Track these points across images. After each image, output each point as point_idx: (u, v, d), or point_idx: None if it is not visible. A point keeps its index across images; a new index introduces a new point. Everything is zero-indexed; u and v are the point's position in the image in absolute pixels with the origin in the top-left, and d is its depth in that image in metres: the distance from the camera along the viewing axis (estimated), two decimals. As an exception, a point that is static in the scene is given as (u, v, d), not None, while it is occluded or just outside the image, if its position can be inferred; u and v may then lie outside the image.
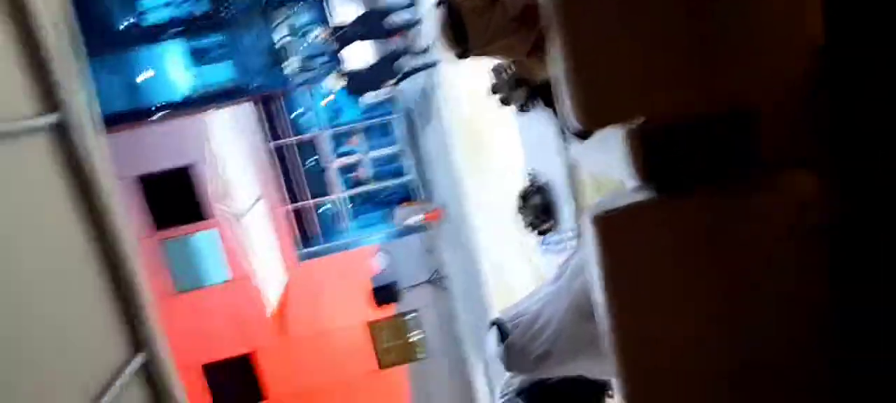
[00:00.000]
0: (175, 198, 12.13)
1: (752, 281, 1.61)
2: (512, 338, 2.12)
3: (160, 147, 12.06)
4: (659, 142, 1.56)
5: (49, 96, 2.58)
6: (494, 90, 3.18)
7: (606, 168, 1.87)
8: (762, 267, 1.61)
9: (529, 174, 3.20)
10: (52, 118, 2.51)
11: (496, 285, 7.38)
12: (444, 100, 7.54)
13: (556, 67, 1.52)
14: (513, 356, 2.14)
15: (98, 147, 2.75)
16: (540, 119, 3.03)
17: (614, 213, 1.63)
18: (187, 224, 12.15)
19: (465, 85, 6.14)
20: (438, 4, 1.63)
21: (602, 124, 1.57)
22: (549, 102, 1.80)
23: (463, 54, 1.67)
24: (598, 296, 1.71)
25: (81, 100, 2.73)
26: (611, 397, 2.62)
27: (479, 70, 4.51)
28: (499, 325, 2.17)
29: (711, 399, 1.72)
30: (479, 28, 1.57)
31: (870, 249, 1.58)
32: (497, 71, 3.13)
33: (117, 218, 2.85)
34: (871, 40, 1.51)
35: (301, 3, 12.27)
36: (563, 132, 2.49)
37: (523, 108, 3.17)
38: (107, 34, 13.16)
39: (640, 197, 1.64)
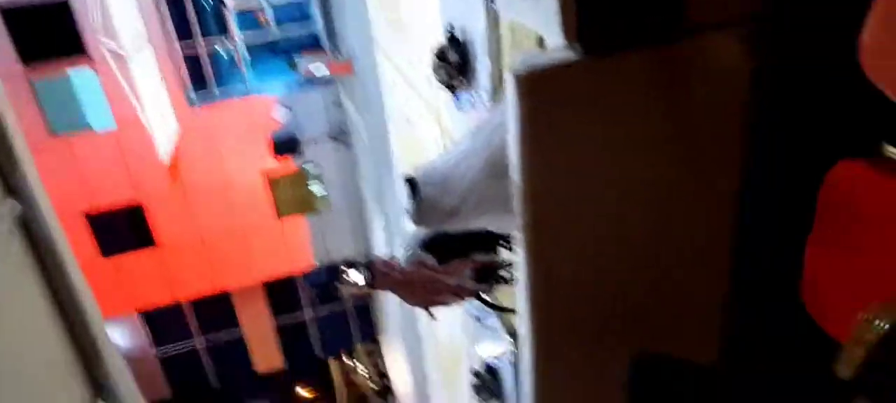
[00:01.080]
0: (47, 31, 10.81)
1: (672, 154, 1.65)
2: (424, 192, 2.10)
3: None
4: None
5: None
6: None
7: (531, 20, 1.78)
8: (684, 138, 1.64)
9: (447, 28, 3.06)
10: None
11: (403, 143, 7.35)
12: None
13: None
14: (424, 210, 2.13)
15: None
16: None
17: (537, 71, 1.57)
18: (58, 59, 10.94)
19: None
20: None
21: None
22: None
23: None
24: (514, 155, 1.69)
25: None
26: (506, 246, 2.73)
27: None
28: (411, 182, 2.14)
29: (609, 270, 1.80)
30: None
31: (791, 120, 1.65)
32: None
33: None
34: None
35: None
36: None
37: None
38: None
39: (565, 56, 1.59)
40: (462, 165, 2.06)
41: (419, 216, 2.17)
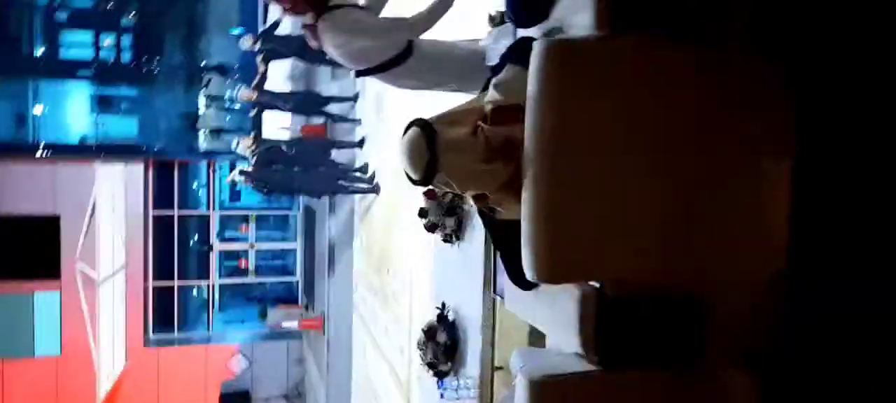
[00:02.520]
0: (27, 248, 10.77)
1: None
2: None
3: (32, 188, 10.87)
4: (612, 313, 1.48)
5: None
6: (423, 213, 3.10)
7: (546, 324, 1.75)
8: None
9: (439, 308, 3.05)
10: None
11: (364, 415, 6.92)
12: (357, 209, 7.36)
13: (525, 214, 1.43)
14: None
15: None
16: (464, 252, 2.94)
17: (555, 381, 1.50)
18: (30, 279, 10.72)
19: (386, 201, 6.05)
20: (412, 125, 1.51)
21: (560, 279, 1.48)
22: (501, 243, 1.69)
23: (424, 182, 1.53)
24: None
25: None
26: None
27: (410, 193, 4.43)
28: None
29: None
30: (454, 161, 1.45)
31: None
32: (431, 194, 3.06)
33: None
34: (831, 274, 1.56)
35: (235, 77, 11.94)
36: (493, 276, 2.39)
37: (449, 238, 3.09)
38: (13, 56, 12.14)
39: (581, 366, 1.53)
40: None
41: None
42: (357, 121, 7.38)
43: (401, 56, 2.46)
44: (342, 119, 7.65)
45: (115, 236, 11.17)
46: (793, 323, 1.58)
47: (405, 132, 1.52)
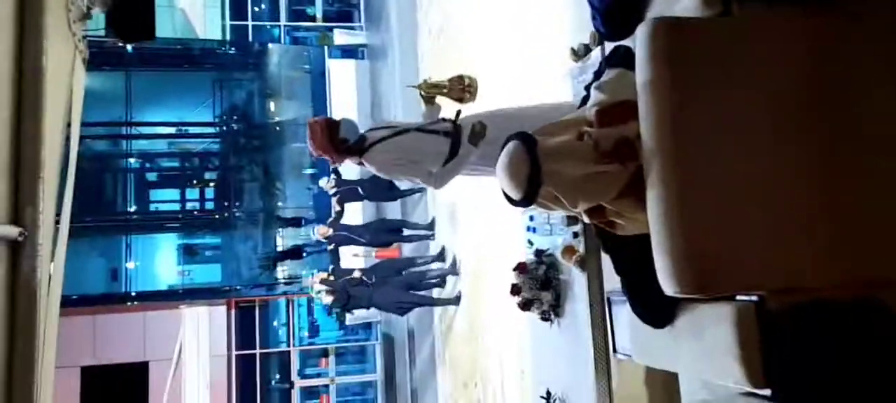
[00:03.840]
0: (117, 396, 10.99)
1: None
2: None
3: (123, 337, 11.28)
4: (780, 330, 1.20)
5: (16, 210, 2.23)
6: (516, 290, 2.86)
7: (691, 363, 1.46)
8: None
9: (544, 397, 2.73)
10: (13, 231, 2.14)
11: None
12: (437, 328, 7.11)
13: (655, 215, 1.22)
14: None
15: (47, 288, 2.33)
16: (566, 330, 2.66)
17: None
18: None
19: (467, 309, 5.80)
20: (510, 139, 1.36)
21: (707, 289, 1.22)
22: (625, 267, 1.46)
23: (526, 203, 1.36)
24: None
25: (47, 227, 2.37)
26: None
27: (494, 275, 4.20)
28: None
29: None
30: (560, 169, 1.27)
31: None
32: (522, 269, 2.84)
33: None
34: None
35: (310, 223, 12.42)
36: (611, 334, 2.10)
37: (546, 316, 2.82)
38: (109, 215, 13.13)
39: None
40: None
41: None
42: (431, 236, 7.33)
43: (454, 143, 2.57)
44: (418, 237, 7.63)
45: (201, 378, 11.25)
46: None
47: (502, 148, 1.37)
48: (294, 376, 12.80)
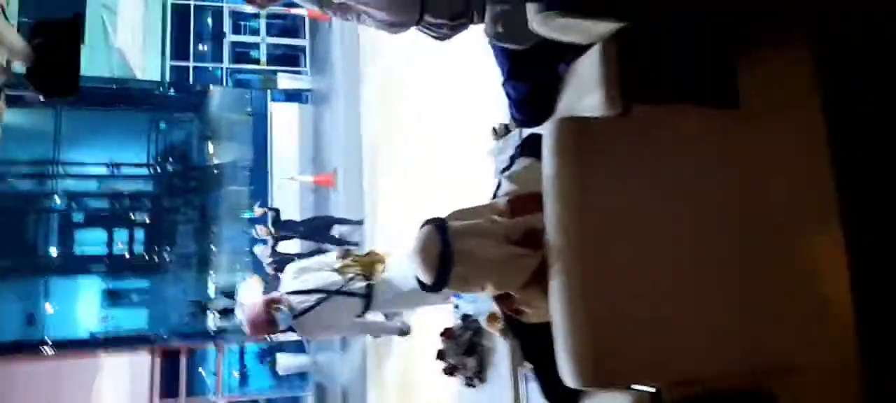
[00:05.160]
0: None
1: None
2: None
3: (33, 389, 10.53)
4: (672, 422, 1.26)
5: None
6: (441, 356, 2.86)
7: None
8: None
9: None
10: None
11: None
12: (369, 378, 6.98)
13: (556, 307, 1.27)
14: None
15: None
16: (489, 394, 2.67)
17: None
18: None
19: (399, 368, 5.74)
20: (426, 223, 1.40)
21: (605, 383, 1.27)
22: (532, 352, 1.50)
23: (437, 286, 1.39)
24: None
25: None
26: None
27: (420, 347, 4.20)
28: None
29: None
30: (472, 248, 1.32)
31: None
32: (448, 335, 2.85)
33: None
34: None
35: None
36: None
37: (470, 381, 2.82)
38: (28, 257, 12.40)
39: None
40: None
41: None
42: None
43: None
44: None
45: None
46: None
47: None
48: (223, 428, 12.23)
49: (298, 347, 12.62)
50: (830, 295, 1.35)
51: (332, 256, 3.62)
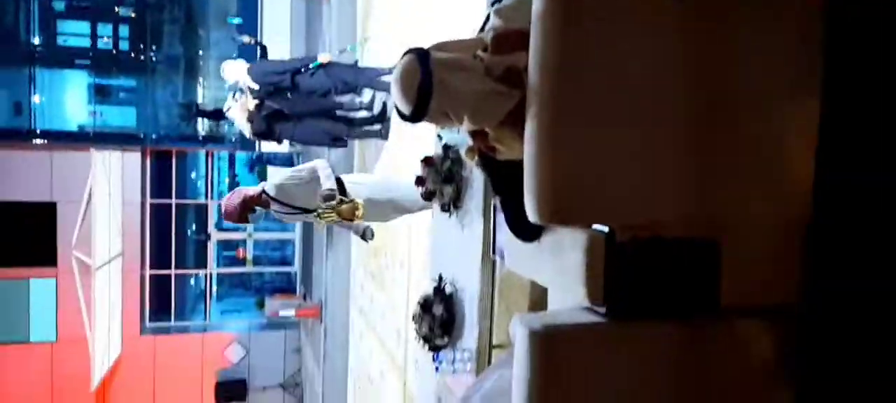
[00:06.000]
0: (23, 235, 10.69)
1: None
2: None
3: (28, 176, 10.78)
4: (622, 260, 1.37)
5: None
6: (420, 181, 2.98)
7: (549, 278, 1.65)
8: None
9: (435, 280, 2.94)
10: None
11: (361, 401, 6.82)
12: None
13: (528, 145, 1.32)
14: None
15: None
16: (462, 222, 2.82)
17: (558, 331, 1.39)
18: (26, 266, 10.64)
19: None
20: (407, 53, 1.40)
21: (564, 219, 1.36)
22: (501, 187, 1.58)
23: (416, 116, 1.42)
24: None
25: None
26: None
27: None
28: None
29: None
30: (451, 82, 1.33)
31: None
32: (429, 161, 2.94)
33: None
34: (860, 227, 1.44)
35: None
36: (493, 237, 2.28)
37: (447, 208, 2.97)
38: (11, 45, 12.03)
39: (587, 318, 1.42)
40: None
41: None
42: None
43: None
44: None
45: (112, 224, 11.07)
46: (813, 276, 1.47)
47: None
48: (211, 228, 12.82)
49: (288, 159, 12.91)
50: (794, 157, 1.41)
51: (322, 166, 3.56)
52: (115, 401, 11.63)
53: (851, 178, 1.49)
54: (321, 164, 3.56)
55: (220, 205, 3.68)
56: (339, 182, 3.53)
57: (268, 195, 3.47)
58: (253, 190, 3.51)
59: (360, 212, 3.47)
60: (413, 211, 3.79)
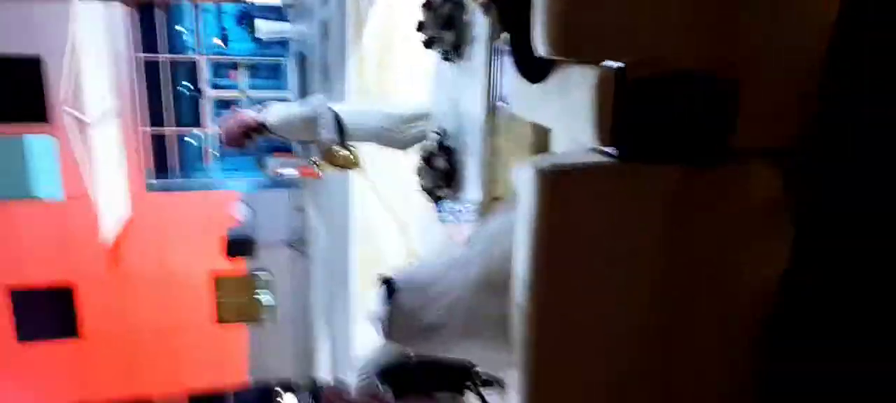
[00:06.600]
0: (8, 90, 10.44)
1: (698, 277, 1.42)
2: (400, 299, 1.79)
3: (5, 27, 10.33)
4: (633, 98, 1.31)
5: None
6: (421, 27, 2.85)
7: (556, 118, 1.59)
8: (712, 263, 1.42)
9: (437, 132, 2.89)
10: None
11: (363, 258, 7.03)
12: (350, 43, 7.01)
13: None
14: (396, 321, 1.81)
15: None
16: (464, 70, 2.73)
17: (565, 171, 1.36)
18: (16, 122, 10.49)
19: (379, 32, 5.69)
20: None
21: (575, 51, 1.28)
22: (509, 19, 1.48)
23: None
24: (522, 266, 1.44)
25: None
26: (472, 388, 2.38)
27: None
28: (387, 283, 1.83)
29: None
30: None
31: (826, 261, 1.45)
32: (428, 6, 2.79)
33: None
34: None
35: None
36: (497, 79, 2.20)
37: (447, 55, 2.86)
38: None
39: (596, 158, 1.39)
40: (450, 275, 1.78)
41: (390, 328, 1.84)
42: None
43: None
44: None
45: (102, 80, 10.82)
46: (826, 123, 1.42)
47: None
48: (203, 85, 12.57)
49: (278, 14, 12.39)
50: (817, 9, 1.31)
51: (322, 110, 3.47)
52: (129, 258, 12.03)
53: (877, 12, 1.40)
54: (322, 108, 3.49)
55: (218, 130, 3.66)
56: (338, 124, 3.48)
57: (267, 127, 3.49)
58: (253, 117, 3.49)
59: (354, 161, 3.60)
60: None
